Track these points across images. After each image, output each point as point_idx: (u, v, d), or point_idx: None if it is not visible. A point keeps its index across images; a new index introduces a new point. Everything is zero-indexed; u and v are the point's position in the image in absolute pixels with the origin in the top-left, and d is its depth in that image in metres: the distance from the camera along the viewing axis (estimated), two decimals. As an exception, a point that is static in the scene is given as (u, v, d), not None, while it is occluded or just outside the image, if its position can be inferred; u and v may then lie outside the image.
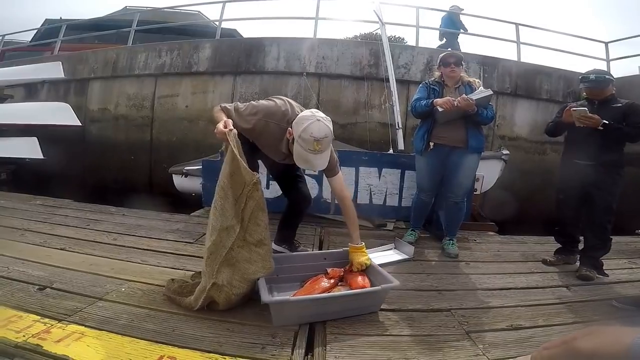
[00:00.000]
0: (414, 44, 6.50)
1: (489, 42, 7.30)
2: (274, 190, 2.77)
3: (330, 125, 1.69)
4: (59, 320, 1.37)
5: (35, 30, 8.82)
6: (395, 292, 1.75)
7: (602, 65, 6.43)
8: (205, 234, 1.86)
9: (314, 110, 1.74)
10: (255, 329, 1.42)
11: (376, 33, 5.69)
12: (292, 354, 1.29)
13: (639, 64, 6.86)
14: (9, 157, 4.57)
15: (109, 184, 6.09)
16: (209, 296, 1.50)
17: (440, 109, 2.33)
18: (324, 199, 3.22)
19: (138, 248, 2.27)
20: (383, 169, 3.27)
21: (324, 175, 1.97)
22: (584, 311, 1.78)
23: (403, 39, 11.19)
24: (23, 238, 2.31)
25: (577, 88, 3.39)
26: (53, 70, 5.27)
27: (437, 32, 6.86)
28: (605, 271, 2.25)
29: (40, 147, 4.14)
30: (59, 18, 8.93)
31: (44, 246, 2.20)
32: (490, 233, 3.32)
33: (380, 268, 1.77)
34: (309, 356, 1.31)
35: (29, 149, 4.15)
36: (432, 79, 2.61)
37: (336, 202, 2.20)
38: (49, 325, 1.33)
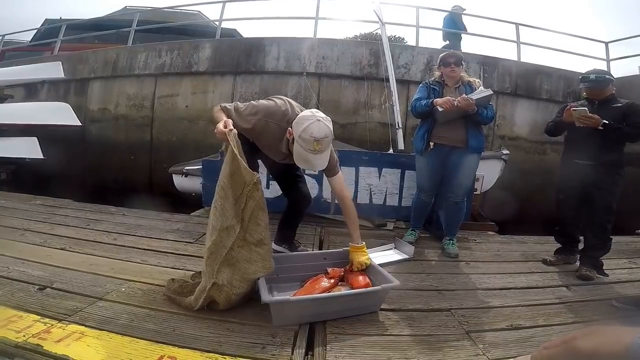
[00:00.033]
0: (414, 43, 6.50)
1: (489, 42, 7.31)
2: (274, 190, 2.77)
3: (330, 125, 1.69)
4: (59, 320, 1.37)
5: (35, 30, 8.82)
6: (396, 292, 1.76)
7: (602, 65, 6.43)
8: (205, 233, 1.87)
9: (314, 110, 1.74)
10: (256, 329, 1.42)
11: (376, 33, 5.69)
12: (292, 353, 1.29)
13: (639, 64, 6.87)
14: (9, 157, 4.57)
15: (109, 183, 6.09)
16: (209, 296, 1.50)
17: (440, 109, 2.33)
18: (324, 199, 3.22)
19: (138, 248, 2.27)
20: (383, 169, 3.27)
21: (324, 175, 1.97)
22: (584, 311, 1.78)
23: (403, 38, 11.21)
24: (23, 238, 2.31)
25: (577, 88, 3.39)
26: (53, 70, 5.27)
27: (437, 31, 6.87)
28: (605, 271, 2.25)
29: (40, 147, 4.15)
30: (59, 18, 8.94)
31: (44, 246, 2.20)
32: (490, 233, 3.33)
33: (380, 268, 1.78)
34: (309, 356, 1.31)
35: (29, 149, 4.15)
36: (432, 78, 2.61)
37: (336, 202, 2.20)
38: (49, 325, 1.33)
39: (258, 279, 1.55)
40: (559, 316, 1.70)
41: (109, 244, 2.31)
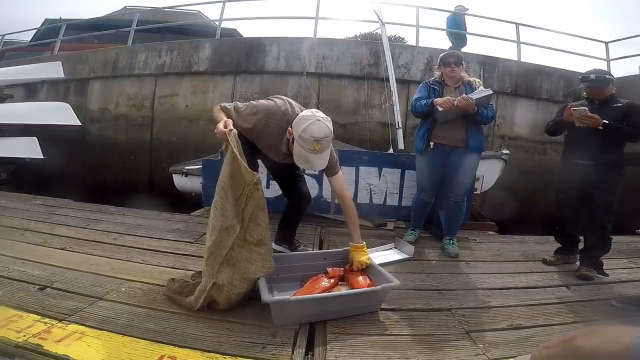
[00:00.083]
0: (414, 43, 6.50)
1: (489, 41, 7.30)
2: (274, 189, 2.77)
3: (330, 125, 1.69)
4: (60, 320, 1.37)
5: (35, 30, 8.82)
6: (396, 292, 1.76)
7: (602, 65, 6.43)
8: (205, 233, 1.86)
9: (314, 110, 1.74)
10: (256, 329, 1.42)
11: (376, 33, 5.68)
12: (292, 353, 1.29)
13: (639, 64, 6.87)
14: (9, 157, 4.57)
15: (109, 183, 6.09)
16: (210, 296, 1.50)
17: (440, 109, 2.33)
18: (324, 199, 3.22)
19: (138, 248, 2.27)
20: (383, 169, 3.27)
21: (324, 174, 1.97)
22: (584, 311, 1.78)
23: (403, 38, 11.20)
24: (23, 238, 2.31)
25: (577, 88, 3.39)
26: (53, 70, 5.28)
27: (437, 31, 6.86)
28: (605, 271, 2.25)
29: (40, 147, 4.16)
30: (59, 18, 8.94)
31: (44, 246, 2.20)
32: (490, 233, 3.33)
33: (380, 267, 1.77)
34: (309, 356, 1.31)
35: (29, 149, 4.16)
36: (433, 78, 2.61)
37: (336, 201, 2.20)
38: (50, 325, 1.33)
39: (258, 278, 1.55)
40: (559, 316, 1.70)
41: (109, 243, 2.31)
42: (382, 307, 1.64)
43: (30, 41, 8.70)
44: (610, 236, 2.29)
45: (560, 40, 12.91)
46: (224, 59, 6.10)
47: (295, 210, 2.23)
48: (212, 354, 1.24)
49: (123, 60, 6.40)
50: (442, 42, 6.84)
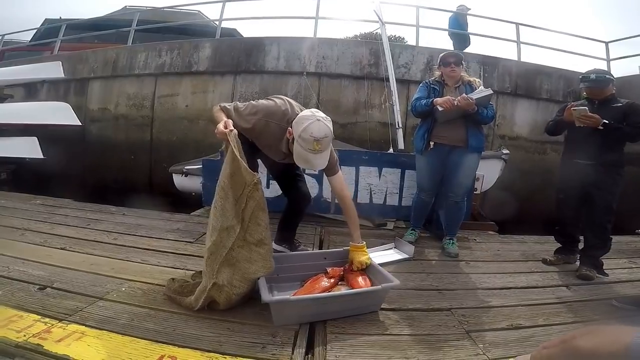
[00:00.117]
0: (414, 43, 6.50)
1: (489, 41, 7.30)
2: (274, 189, 2.77)
3: (330, 125, 1.69)
4: (60, 320, 1.37)
5: (35, 30, 8.81)
6: (396, 292, 1.76)
7: (602, 65, 6.42)
8: (205, 233, 1.86)
9: (314, 110, 1.74)
10: (256, 329, 1.42)
11: (376, 33, 5.68)
12: (292, 353, 1.29)
13: (639, 64, 6.87)
14: (9, 157, 4.57)
15: (109, 183, 6.08)
16: (210, 296, 1.50)
17: (440, 109, 2.33)
18: (324, 199, 3.22)
19: (138, 247, 2.27)
20: (383, 169, 3.27)
21: (324, 174, 1.97)
22: (584, 310, 1.78)
23: (403, 38, 11.19)
24: (23, 238, 2.31)
25: (577, 88, 3.38)
26: (53, 70, 5.27)
27: (438, 31, 6.84)
28: (605, 271, 2.25)
29: (40, 147, 4.15)
30: (59, 18, 8.92)
31: (44, 246, 2.20)
32: (490, 232, 3.33)
33: (380, 267, 1.77)
34: (309, 355, 1.31)
35: (29, 148, 4.16)
36: (433, 78, 2.61)
37: (336, 201, 2.20)
38: (50, 324, 1.33)
39: (258, 278, 1.55)
40: (559, 316, 1.71)
41: (109, 243, 2.31)
42: (382, 307, 1.64)
43: (30, 41, 8.69)
44: (610, 236, 2.29)
45: (560, 40, 12.93)
46: (224, 59, 6.10)
47: (295, 210, 2.23)
48: (212, 354, 1.24)
49: (123, 60, 6.40)
50: (443, 42, 6.85)
